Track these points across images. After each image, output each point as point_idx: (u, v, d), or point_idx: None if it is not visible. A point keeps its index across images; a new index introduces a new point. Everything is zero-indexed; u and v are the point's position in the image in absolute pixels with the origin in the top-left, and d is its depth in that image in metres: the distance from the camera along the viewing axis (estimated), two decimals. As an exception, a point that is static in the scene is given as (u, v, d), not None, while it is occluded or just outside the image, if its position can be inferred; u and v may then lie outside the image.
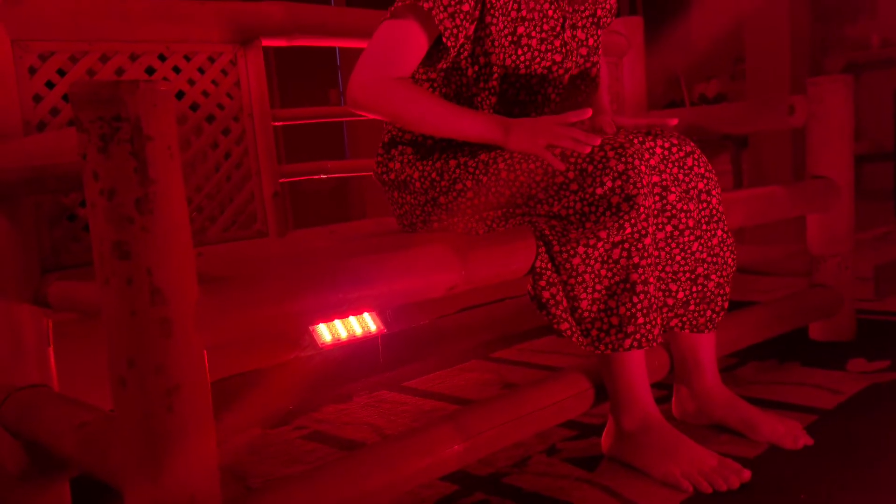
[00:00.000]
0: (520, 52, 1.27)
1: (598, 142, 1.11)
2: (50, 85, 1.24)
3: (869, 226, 3.11)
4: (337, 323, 1.93)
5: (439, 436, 1.12)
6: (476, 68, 1.27)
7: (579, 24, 1.35)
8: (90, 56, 1.28)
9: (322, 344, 1.89)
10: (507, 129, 1.19)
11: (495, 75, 1.27)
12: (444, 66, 1.26)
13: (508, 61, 1.27)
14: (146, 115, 0.79)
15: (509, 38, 1.26)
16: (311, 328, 1.87)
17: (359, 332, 1.94)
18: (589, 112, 1.14)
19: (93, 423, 1.02)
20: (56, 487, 1.23)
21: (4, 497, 1.21)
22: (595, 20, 1.39)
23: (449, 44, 1.20)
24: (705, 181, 1.27)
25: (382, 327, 1.95)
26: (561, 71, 1.33)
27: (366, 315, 1.94)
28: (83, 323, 1.48)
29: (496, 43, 1.24)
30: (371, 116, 1.27)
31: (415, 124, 1.23)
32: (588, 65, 1.38)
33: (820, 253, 1.81)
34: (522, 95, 1.31)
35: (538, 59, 1.29)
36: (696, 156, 1.26)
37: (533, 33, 1.28)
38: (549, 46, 1.29)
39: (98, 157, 0.79)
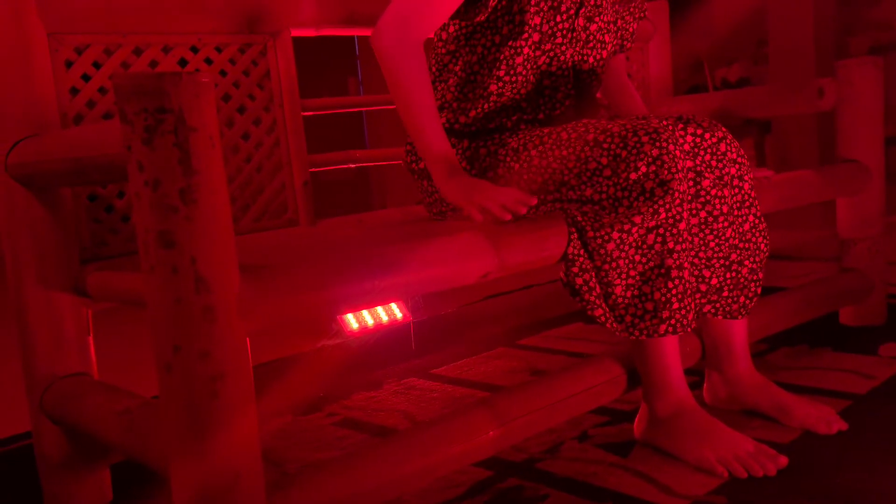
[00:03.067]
0: (558, 18, 1.26)
1: (523, 211, 1.10)
2: (86, 78, 1.26)
3: (897, 210, 3.08)
4: (364, 312, 1.94)
5: (474, 422, 1.13)
6: (511, 27, 1.26)
7: (596, 19, 1.34)
8: (124, 49, 1.29)
9: (350, 332, 1.91)
10: (452, 173, 1.17)
11: (525, 35, 1.26)
12: (482, 18, 1.24)
13: (546, 27, 1.26)
14: (189, 107, 0.80)
15: (550, 2, 1.25)
16: (339, 317, 1.89)
17: (385, 320, 1.95)
18: (533, 200, 1.11)
19: (136, 410, 1.04)
20: (97, 474, 1.26)
21: (47, 484, 1.24)
22: (615, 27, 1.39)
23: None
24: (737, 166, 1.26)
25: (409, 315, 1.96)
26: (562, 57, 1.32)
27: (392, 304, 1.96)
28: (114, 314, 1.50)
29: (533, 1, 1.24)
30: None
31: (397, 101, 1.21)
32: (585, 66, 1.36)
33: (850, 237, 1.80)
34: (555, 66, 1.30)
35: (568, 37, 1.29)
36: (728, 141, 1.25)
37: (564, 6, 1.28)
38: (560, 27, 1.29)
39: (143, 148, 0.80)
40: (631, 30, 1.45)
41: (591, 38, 1.34)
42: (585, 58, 1.34)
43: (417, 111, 1.19)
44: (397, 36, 1.19)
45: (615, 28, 1.39)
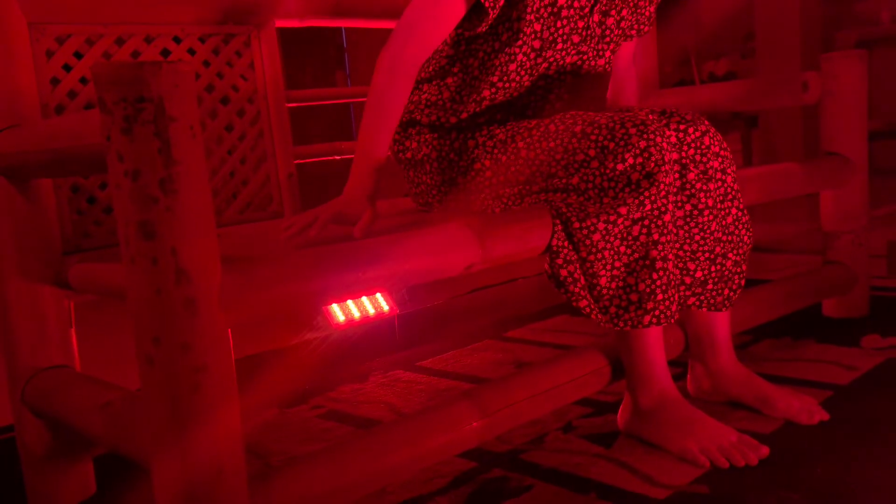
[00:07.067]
0: (559, 24, 1.26)
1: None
2: (67, 68, 1.25)
3: (881, 203, 3.11)
4: (350, 303, 1.94)
5: (458, 413, 1.13)
6: (510, 34, 1.26)
7: (612, 12, 1.34)
8: (106, 39, 1.28)
9: (336, 324, 1.91)
10: (370, 176, 1.19)
11: (520, 42, 1.26)
12: (483, 29, 1.25)
13: (546, 33, 1.26)
14: (169, 96, 0.79)
15: (549, 8, 1.25)
16: (325, 309, 1.88)
17: (372, 312, 1.95)
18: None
19: (118, 402, 1.04)
20: (80, 466, 1.25)
21: (30, 477, 1.23)
22: (630, 15, 1.38)
23: (487, 5, 1.20)
24: (720, 160, 1.27)
25: (395, 308, 1.96)
26: (576, 56, 1.32)
27: (378, 296, 1.95)
28: (97, 305, 1.50)
29: (529, 9, 1.24)
30: None
31: (373, 102, 1.23)
32: (601, 60, 1.36)
33: (834, 230, 1.81)
34: (553, 70, 1.30)
35: (572, 37, 1.29)
36: (711, 134, 1.26)
37: (572, 9, 1.27)
38: (573, 27, 1.29)
39: (122, 138, 0.79)
40: (647, 13, 1.42)
41: (608, 32, 1.34)
42: (602, 53, 1.35)
43: (384, 118, 1.21)
44: (398, 53, 1.21)
45: (630, 16, 1.39)
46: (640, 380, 1.24)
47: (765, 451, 1.15)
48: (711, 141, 1.25)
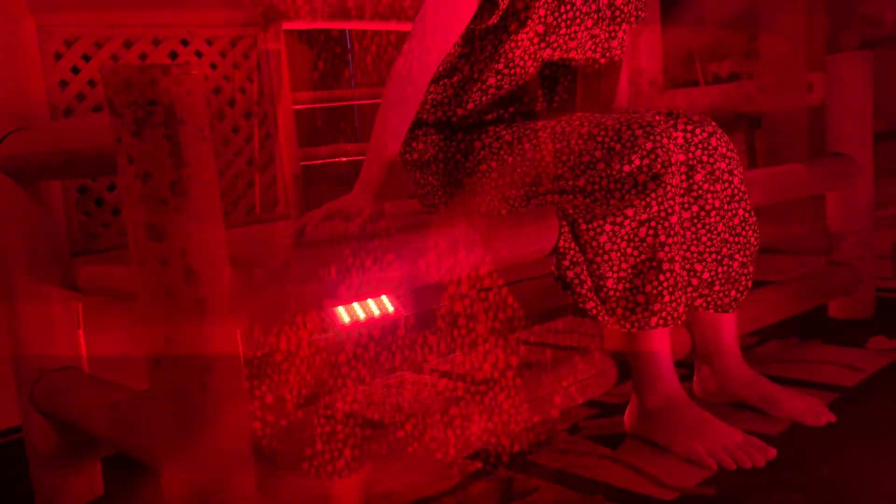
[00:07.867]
0: (563, 8, 1.26)
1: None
2: (75, 70, 1.25)
3: (886, 203, 3.10)
4: (356, 305, 1.94)
5: (464, 414, 1.13)
6: (517, 24, 1.26)
7: None
8: (114, 41, 1.29)
9: (341, 326, 1.91)
10: (380, 178, 1.19)
11: (527, 29, 1.26)
12: (495, 21, 1.25)
13: (550, 18, 1.26)
14: (179, 99, 0.79)
15: None
16: (330, 310, 1.89)
17: (377, 313, 1.96)
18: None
19: (125, 403, 1.04)
20: (88, 467, 1.25)
21: (38, 477, 1.24)
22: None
23: None
24: (727, 161, 1.27)
25: (400, 309, 1.97)
26: (589, 40, 1.32)
27: (384, 297, 1.96)
28: (106, 307, 1.50)
29: None
30: None
31: (389, 101, 1.22)
32: (615, 42, 1.37)
33: (839, 231, 1.81)
34: (557, 56, 1.31)
35: (578, 21, 1.29)
36: (718, 135, 1.26)
37: None
38: (586, 9, 1.29)
39: (132, 141, 0.80)
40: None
41: (618, 14, 1.34)
42: (614, 34, 1.35)
43: (398, 119, 1.21)
44: (412, 61, 1.21)
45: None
46: (646, 381, 1.24)
47: (772, 452, 1.15)
48: (718, 142, 1.25)
